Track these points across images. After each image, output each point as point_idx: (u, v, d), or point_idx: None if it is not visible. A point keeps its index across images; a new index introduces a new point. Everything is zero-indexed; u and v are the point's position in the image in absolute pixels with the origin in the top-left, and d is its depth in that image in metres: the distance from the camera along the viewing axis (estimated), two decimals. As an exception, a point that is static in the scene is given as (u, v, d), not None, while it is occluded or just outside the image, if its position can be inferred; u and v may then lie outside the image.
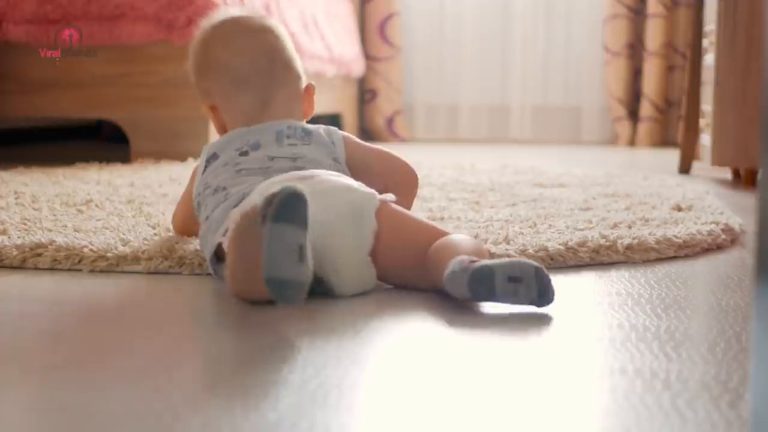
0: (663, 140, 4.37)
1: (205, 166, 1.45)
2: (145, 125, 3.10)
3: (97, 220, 1.78)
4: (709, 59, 2.85)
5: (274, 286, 1.13)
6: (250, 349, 1.06)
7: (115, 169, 2.77)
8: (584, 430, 0.82)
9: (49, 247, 1.49)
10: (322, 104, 4.05)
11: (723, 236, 1.72)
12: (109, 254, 1.47)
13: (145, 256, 1.46)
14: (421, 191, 2.25)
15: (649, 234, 1.63)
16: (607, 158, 3.68)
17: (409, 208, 1.50)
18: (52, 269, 1.47)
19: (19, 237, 1.57)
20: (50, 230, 1.65)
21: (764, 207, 0.74)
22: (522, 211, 1.94)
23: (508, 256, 1.46)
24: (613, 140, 4.50)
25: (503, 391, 0.92)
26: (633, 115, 4.43)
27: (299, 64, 1.54)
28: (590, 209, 1.98)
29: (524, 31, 4.55)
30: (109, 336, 1.13)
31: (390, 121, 4.60)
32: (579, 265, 1.51)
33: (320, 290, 1.26)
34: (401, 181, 1.51)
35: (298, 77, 1.53)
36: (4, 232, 1.62)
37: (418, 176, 1.55)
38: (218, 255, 1.32)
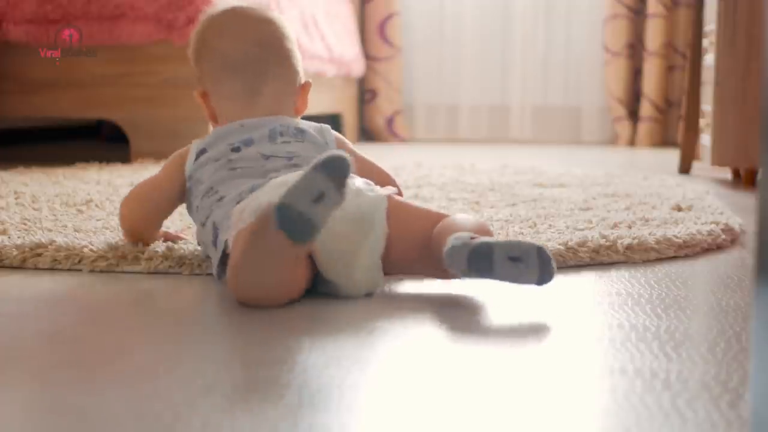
0: (663, 140, 4.37)
1: (195, 161, 1.44)
2: (145, 125, 3.10)
3: (97, 220, 1.79)
4: (709, 59, 2.85)
5: (284, 213, 1.12)
6: (251, 349, 1.06)
7: (115, 169, 2.77)
8: (584, 430, 0.82)
9: (49, 247, 1.49)
10: (322, 104, 4.06)
11: (723, 236, 1.72)
12: (109, 254, 1.47)
13: (145, 256, 1.46)
14: (421, 191, 2.25)
15: (649, 234, 1.63)
16: (607, 158, 3.68)
17: None
18: (52, 269, 1.47)
19: (19, 237, 1.57)
20: (50, 230, 1.65)
21: (764, 207, 0.74)
22: (522, 211, 1.94)
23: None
24: (613, 140, 4.50)
25: (503, 391, 0.92)
26: (633, 115, 4.43)
27: (298, 59, 1.52)
28: (590, 209, 1.98)
29: (524, 31, 4.55)
30: (109, 336, 1.13)
31: (390, 121, 4.60)
32: (579, 265, 1.51)
33: (326, 291, 1.26)
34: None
35: (293, 71, 1.51)
36: (4, 232, 1.62)
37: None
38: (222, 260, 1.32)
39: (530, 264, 1.18)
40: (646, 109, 4.33)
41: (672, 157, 3.57)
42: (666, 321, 1.17)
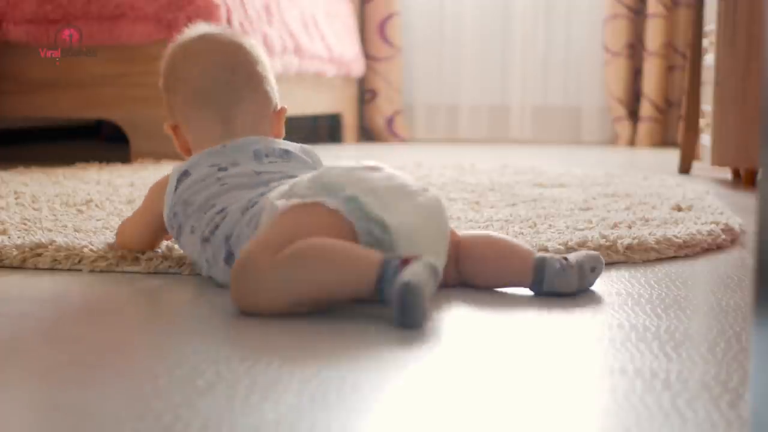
0: (663, 140, 4.37)
1: (176, 186, 1.39)
2: (145, 125, 3.10)
3: (97, 220, 1.79)
4: (709, 59, 2.85)
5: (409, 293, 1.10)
6: (250, 349, 1.06)
7: (115, 169, 2.77)
8: (584, 430, 0.82)
9: (49, 247, 1.49)
10: (322, 104, 4.06)
11: (723, 236, 1.72)
12: (109, 254, 1.47)
13: (145, 256, 1.46)
14: (421, 191, 2.25)
15: (649, 234, 1.63)
16: (607, 158, 3.68)
17: None
18: (52, 269, 1.47)
19: (19, 237, 1.57)
20: (50, 230, 1.65)
21: (764, 207, 0.74)
22: (522, 211, 1.94)
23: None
24: (613, 140, 4.50)
25: (503, 390, 0.92)
26: (633, 115, 4.43)
27: (271, 84, 1.48)
28: (590, 209, 1.98)
29: (524, 31, 4.55)
30: (109, 336, 1.13)
31: (390, 121, 4.60)
32: (579, 265, 1.51)
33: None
34: None
35: (265, 96, 1.47)
36: (4, 232, 1.62)
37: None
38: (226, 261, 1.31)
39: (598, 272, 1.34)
40: (646, 109, 4.33)
41: (672, 157, 3.57)
42: (666, 321, 1.17)
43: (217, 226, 1.32)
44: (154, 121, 3.10)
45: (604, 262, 1.34)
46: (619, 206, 2.01)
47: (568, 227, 1.73)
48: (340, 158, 3.38)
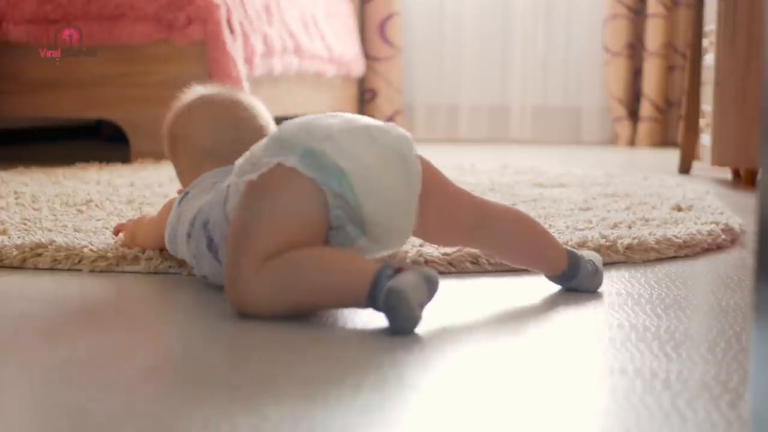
0: (663, 140, 4.37)
1: (178, 206, 1.40)
2: (145, 125, 3.10)
3: (97, 220, 1.79)
4: (709, 59, 2.85)
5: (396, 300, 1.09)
6: (250, 349, 1.06)
7: (115, 169, 2.77)
8: (584, 430, 0.82)
9: (49, 247, 1.49)
10: (322, 104, 4.06)
11: (723, 236, 1.72)
12: (109, 254, 1.47)
13: (145, 256, 1.46)
14: (421, 191, 2.25)
15: (649, 234, 1.63)
16: (607, 158, 3.68)
17: None
18: (52, 269, 1.47)
19: (19, 237, 1.57)
20: (50, 230, 1.65)
21: (764, 207, 0.74)
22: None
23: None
24: (613, 140, 4.50)
25: (503, 390, 0.92)
26: (633, 115, 4.43)
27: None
28: (590, 209, 1.98)
29: (524, 31, 4.55)
30: (109, 336, 1.13)
31: (390, 121, 4.56)
32: (579, 265, 1.51)
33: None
34: None
35: None
36: (4, 232, 1.62)
37: None
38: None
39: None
40: (646, 109, 4.33)
41: (672, 157, 3.57)
42: (666, 321, 1.17)
43: (195, 218, 1.33)
44: (154, 121, 3.08)
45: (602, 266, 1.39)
46: (619, 206, 2.01)
47: (568, 227, 1.73)
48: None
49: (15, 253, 1.48)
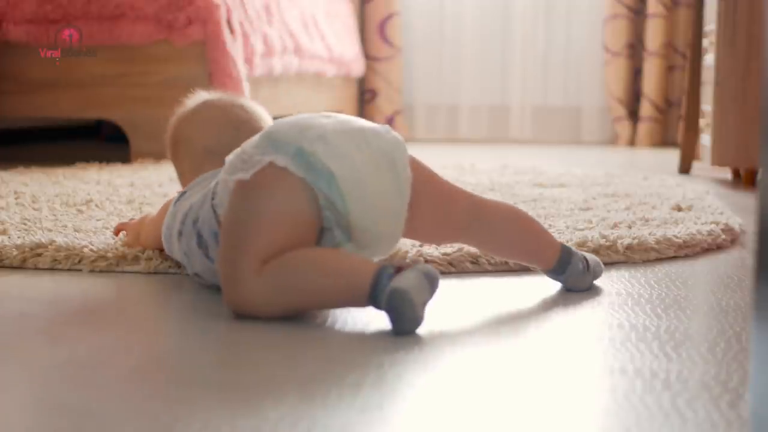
0: (663, 140, 4.37)
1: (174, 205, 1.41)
2: (145, 125, 3.10)
3: (97, 220, 1.79)
4: (709, 59, 2.85)
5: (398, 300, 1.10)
6: (250, 349, 1.06)
7: (115, 169, 2.77)
8: (584, 430, 0.82)
9: (49, 247, 1.49)
10: (322, 104, 4.06)
11: (723, 236, 1.72)
12: (109, 254, 1.47)
13: (145, 256, 1.46)
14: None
15: (649, 234, 1.63)
16: (607, 158, 3.68)
17: None
18: (52, 269, 1.47)
19: (19, 237, 1.57)
20: (50, 230, 1.65)
21: (764, 207, 0.74)
22: (522, 211, 1.94)
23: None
24: (613, 140, 4.50)
25: (503, 390, 0.92)
26: (633, 115, 4.43)
27: None
28: (590, 209, 1.98)
29: (524, 31, 4.55)
30: (109, 336, 1.13)
31: (390, 121, 4.59)
32: (579, 265, 1.51)
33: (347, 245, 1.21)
34: None
35: None
36: (4, 232, 1.62)
37: None
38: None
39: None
40: (646, 109, 4.33)
41: (672, 157, 3.57)
42: (666, 321, 1.17)
43: (186, 215, 1.33)
44: (154, 121, 3.10)
45: (603, 269, 1.40)
46: (619, 206, 2.01)
47: (568, 227, 1.73)
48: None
49: (15, 253, 1.48)
